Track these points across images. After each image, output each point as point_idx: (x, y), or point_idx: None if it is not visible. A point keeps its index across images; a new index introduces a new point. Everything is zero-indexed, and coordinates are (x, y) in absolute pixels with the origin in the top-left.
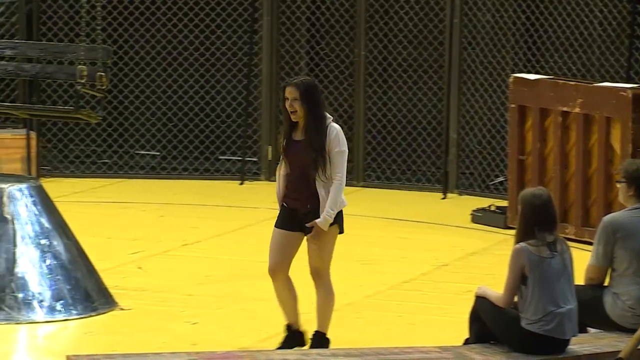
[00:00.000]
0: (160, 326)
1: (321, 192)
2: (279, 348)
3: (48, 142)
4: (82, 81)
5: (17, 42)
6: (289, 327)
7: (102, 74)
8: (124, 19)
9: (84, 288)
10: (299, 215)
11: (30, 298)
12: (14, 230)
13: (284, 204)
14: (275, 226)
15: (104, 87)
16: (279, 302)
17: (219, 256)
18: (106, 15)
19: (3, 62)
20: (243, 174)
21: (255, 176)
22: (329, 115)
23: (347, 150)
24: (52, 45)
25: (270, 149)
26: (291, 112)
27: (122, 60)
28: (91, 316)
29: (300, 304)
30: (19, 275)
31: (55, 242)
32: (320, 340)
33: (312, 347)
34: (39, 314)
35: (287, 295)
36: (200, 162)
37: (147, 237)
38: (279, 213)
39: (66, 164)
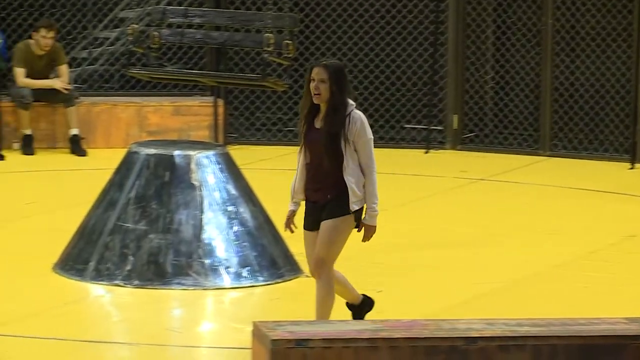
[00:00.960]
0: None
1: (348, 181)
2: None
3: (235, 110)
4: (269, 49)
5: (205, 10)
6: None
7: (289, 41)
8: None
9: (270, 255)
10: (320, 211)
11: (217, 264)
12: (202, 197)
13: (306, 198)
14: (304, 227)
15: (290, 55)
16: (316, 306)
17: (403, 225)
18: None
19: (192, 30)
20: (428, 142)
21: (440, 145)
22: (351, 102)
23: (373, 138)
24: (240, 13)
25: (456, 117)
26: (315, 93)
27: (309, 28)
28: (277, 283)
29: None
30: (206, 241)
31: (241, 209)
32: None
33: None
34: (226, 280)
35: (341, 290)
36: (385, 131)
37: None
38: (305, 211)
39: (252, 131)
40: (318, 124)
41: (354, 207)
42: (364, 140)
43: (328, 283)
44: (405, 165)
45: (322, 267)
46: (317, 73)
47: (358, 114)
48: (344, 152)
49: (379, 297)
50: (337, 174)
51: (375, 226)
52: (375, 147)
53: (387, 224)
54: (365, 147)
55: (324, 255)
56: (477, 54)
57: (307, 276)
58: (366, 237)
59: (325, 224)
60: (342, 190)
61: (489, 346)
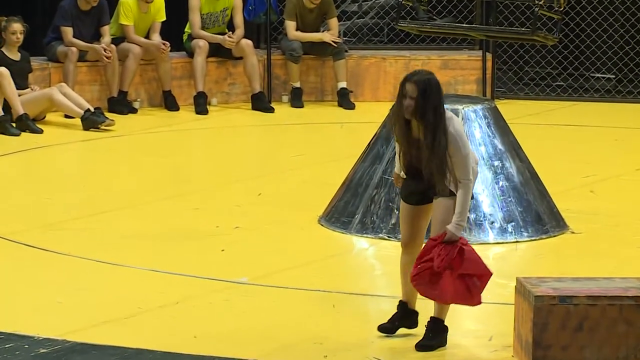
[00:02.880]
0: (611, 251)
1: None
2: (382, 325)
3: (504, 64)
4: (540, 2)
5: None
6: (402, 305)
7: None
8: None
9: (535, 210)
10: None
11: (481, 219)
12: None
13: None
14: (402, 199)
15: (561, 9)
16: (401, 274)
17: None
18: None
19: None
20: None
21: None
22: (448, 115)
23: (470, 152)
24: None
25: None
26: (406, 107)
27: None
28: (542, 239)
29: None
30: (472, 196)
31: (507, 164)
32: (435, 328)
33: (426, 333)
34: (490, 235)
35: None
36: None
37: (600, 161)
38: (406, 185)
39: (521, 85)
40: (415, 134)
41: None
42: (459, 154)
43: None
44: None
45: None
46: (409, 90)
47: (454, 128)
48: (445, 167)
49: None
50: (441, 182)
51: (458, 237)
52: None
53: None
54: (460, 163)
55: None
56: None
57: (572, 232)
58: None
59: (440, 202)
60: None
61: None
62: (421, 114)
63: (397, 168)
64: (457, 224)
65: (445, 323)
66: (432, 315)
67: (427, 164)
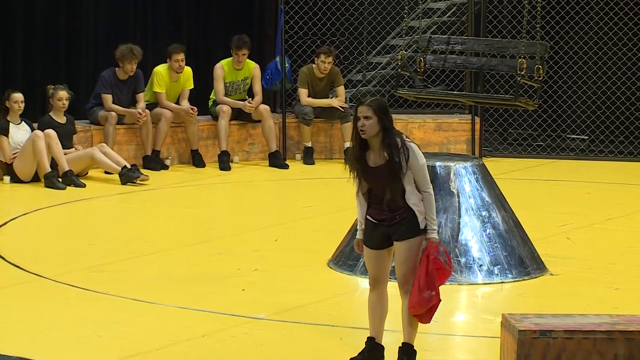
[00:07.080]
0: (585, 291)
1: (414, 206)
2: (353, 358)
3: (490, 126)
4: (522, 73)
5: (466, 39)
6: (370, 340)
7: (540, 66)
8: (560, 18)
9: (519, 255)
10: (386, 230)
11: (471, 262)
12: (459, 203)
13: (368, 217)
14: (364, 244)
15: (540, 78)
16: (369, 312)
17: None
18: (545, 14)
19: (453, 56)
20: None
21: None
22: (401, 132)
23: (425, 162)
24: (496, 41)
25: None
26: (361, 130)
27: (558, 55)
28: (524, 280)
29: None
30: (462, 242)
31: (494, 214)
32: (407, 352)
33: (400, 357)
34: (479, 276)
35: (380, 307)
36: (625, 146)
37: (575, 212)
38: (365, 228)
39: (505, 145)
40: (372, 162)
41: (422, 224)
42: (418, 166)
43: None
44: None
45: (407, 282)
46: (361, 111)
47: (409, 143)
48: (403, 181)
49: (616, 294)
50: (401, 201)
51: (438, 240)
52: (616, 160)
53: (627, 228)
54: (420, 171)
55: (407, 272)
56: None
57: (551, 274)
58: (433, 250)
59: (401, 245)
60: (408, 212)
61: None
62: (382, 128)
63: (359, 233)
64: (432, 230)
65: (428, 350)
66: (403, 340)
67: (392, 180)
